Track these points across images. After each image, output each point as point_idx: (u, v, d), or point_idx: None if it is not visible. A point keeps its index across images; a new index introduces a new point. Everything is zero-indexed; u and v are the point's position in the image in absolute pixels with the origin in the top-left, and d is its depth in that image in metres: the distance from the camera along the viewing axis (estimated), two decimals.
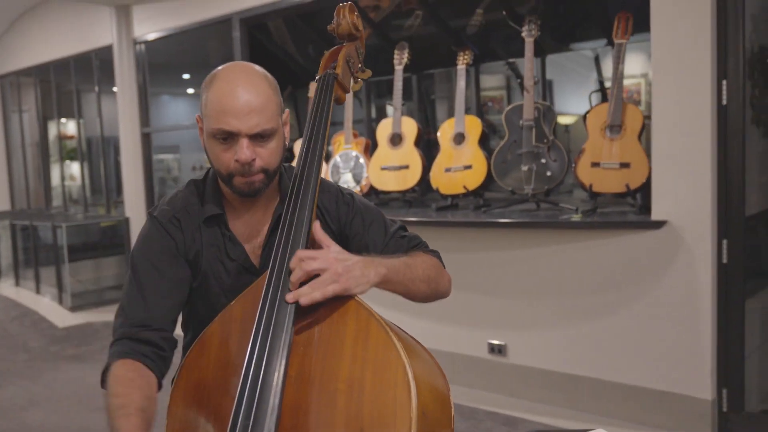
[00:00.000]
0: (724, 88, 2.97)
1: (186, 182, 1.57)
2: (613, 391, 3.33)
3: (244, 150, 1.35)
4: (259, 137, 1.37)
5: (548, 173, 3.68)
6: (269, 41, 5.21)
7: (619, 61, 3.47)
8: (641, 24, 3.42)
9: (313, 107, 1.55)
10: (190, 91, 9.31)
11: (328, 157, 4.58)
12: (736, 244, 3.03)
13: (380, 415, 1.19)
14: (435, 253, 1.59)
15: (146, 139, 6.16)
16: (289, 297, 1.27)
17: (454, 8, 4.49)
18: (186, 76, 8.72)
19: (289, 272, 1.32)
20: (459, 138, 4.06)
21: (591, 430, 1.47)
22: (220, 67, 1.42)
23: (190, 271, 1.47)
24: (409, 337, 1.36)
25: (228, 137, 1.36)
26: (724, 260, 3.04)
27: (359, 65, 1.75)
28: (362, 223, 1.56)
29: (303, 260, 1.28)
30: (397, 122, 4.30)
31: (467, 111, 4.17)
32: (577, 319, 3.45)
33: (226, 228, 1.48)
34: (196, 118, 1.47)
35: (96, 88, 6.77)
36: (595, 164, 3.46)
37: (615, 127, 3.44)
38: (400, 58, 4.29)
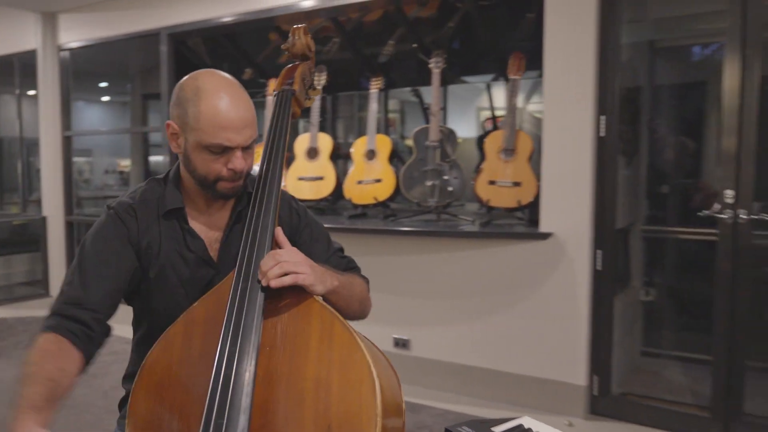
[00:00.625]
0: (602, 122, 3.12)
1: (147, 180, 1.48)
2: (503, 380, 3.42)
3: (240, 161, 1.32)
4: (248, 147, 1.33)
5: (449, 188, 3.74)
6: (192, 55, 4.99)
7: (513, 95, 3.58)
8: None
9: (273, 120, 1.50)
10: (105, 98, 8.79)
11: None
12: (608, 254, 3.18)
13: (347, 413, 1.15)
14: (366, 279, 1.56)
15: (67, 142, 5.73)
16: (261, 277, 1.24)
17: (368, 38, 4.49)
18: (103, 84, 8.23)
19: (256, 275, 1.25)
20: (371, 154, 4.05)
21: (517, 417, 1.47)
22: (197, 78, 1.34)
23: (138, 263, 1.37)
24: (364, 337, 1.32)
25: (223, 150, 1.30)
26: (598, 267, 3.20)
27: (311, 83, 1.71)
28: (311, 235, 1.54)
29: (276, 255, 1.26)
30: (314, 137, 4.24)
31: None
32: (473, 317, 3.51)
33: (185, 222, 1.41)
34: (167, 124, 1.38)
35: (17, 91, 6.24)
36: (492, 182, 3.55)
37: (509, 150, 3.54)
38: (318, 80, 4.23)
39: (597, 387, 3.24)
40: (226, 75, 1.37)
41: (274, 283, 1.22)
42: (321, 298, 1.29)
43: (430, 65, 3.82)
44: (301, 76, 1.62)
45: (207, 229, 1.43)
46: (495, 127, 4.79)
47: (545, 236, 3.24)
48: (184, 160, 1.36)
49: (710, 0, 3.58)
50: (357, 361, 1.19)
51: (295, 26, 1.66)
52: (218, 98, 1.29)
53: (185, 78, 1.36)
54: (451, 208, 4.06)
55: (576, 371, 3.23)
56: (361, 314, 1.50)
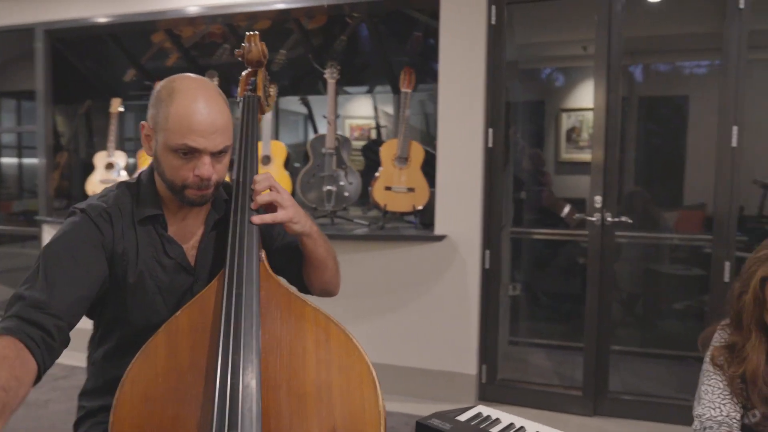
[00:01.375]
0: (491, 134, 3.32)
1: (122, 182, 1.39)
2: (402, 373, 3.51)
3: (207, 167, 1.26)
4: (218, 154, 1.26)
5: (346, 194, 3.77)
6: (71, 54, 4.56)
7: (405, 106, 3.69)
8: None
9: (242, 125, 1.49)
10: None
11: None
12: (495, 254, 3.39)
13: (351, 414, 1.16)
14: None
15: None
16: (255, 218, 1.30)
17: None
18: None
19: (251, 281, 1.20)
20: (266, 160, 3.97)
21: (472, 407, 1.54)
22: (175, 80, 1.30)
23: (108, 271, 1.29)
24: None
25: (190, 153, 1.24)
26: (487, 266, 3.39)
27: (268, 92, 1.67)
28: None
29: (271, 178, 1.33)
30: (267, 145, 4.06)
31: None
32: (373, 315, 3.57)
33: (163, 228, 1.35)
34: (141, 125, 1.30)
35: None
36: (388, 188, 3.63)
37: (403, 158, 3.65)
38: (272, 88, 4.08)
39: (485, 375, 3.44)
40: (206, 80, 1.32)
41: (259, 199, 1.30)
42: (311, 301, 1.27)
43: (326, 75, 3.82)
44: (263, 83, 1.59)
45: (182, 235, 1.38)
46: (378, 135, 4.91)
47: (440, 238, 3.38)
48: (155, 162, 1.31)
49: (576, 29, 3.93)
50: (356, 361, 1.20)
51: (249, 33, 1.62)
52: (191, 100, 1.24)
53: (165, 80, 1.31)
54: (346, 212, 4.10)
55: (468, 361, 3.40)
56: (334, 278, 1.53)
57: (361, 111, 5.62)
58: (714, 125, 3.01)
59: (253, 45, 1.61)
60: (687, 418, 1.56)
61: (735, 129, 2.95)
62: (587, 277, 3.25)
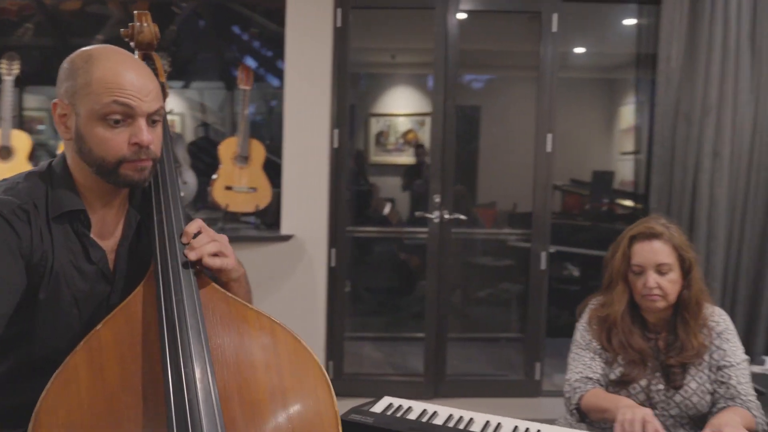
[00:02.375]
0: (336, 135, 3.36)
1: (25, 173, 1.15)
2: None
3: (145, 131, 1.10)
4: (151, 121, 1.12)
5: (181, 194, 3.52)
6: None
7: (244, 105, 3.57)
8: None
9: None
10: None
11: None
12: (341, 252, 3.44)
13: (308, 417, 1.12)
14: None
15: None
16: (191, 251, 1.13)
17: (73, 28, 3.90)
18: None
19: (190, 286, 1.09)
20: (5, 152, 3.54)
21: (379, 399, 1.58)
22: (89, 49, 1.12)
23: (27, 279, 1.08)
24: None
25: (123, 118, 1.08)
26: (333, 264, 3.43)
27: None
28: None
29: (208, 231, 1.19)
30: (7, 136, 3.50)
31: None
32: None
33: (86, 227, 1.15)
34: (53, 104, 1.12)
35: None
36: (229, 188, 3.48)
37: (243, 157, 3.52)
38: (9, 69, 3.51)
39: (332, 371, 3.47)
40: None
41: (208, 261, 1.14)
42: (251, 305, 1.19)
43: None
44: (163, 68, 1.44)
45: (101, 236, 1.18)
46: (205, 133, 4.67)
47: (287, 238, 3.34)
48: (77, 143, 1.11)
49: (411, 38, 4.14)
50: (306, 363, 1.16)
51: (138, 11, 1.46)
52: (116, 61, 1.09)
53: (74, 53, 1.13)
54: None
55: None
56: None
57: (175, 106, 5.29)
58: (532, 133, 3.41)
59: (146, 25, 1.45)
60: (509, 391, 1.70)
61: (549, 136, 3.37)
62: (427, 270, 3.45)
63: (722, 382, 1.59)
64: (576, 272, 4.73)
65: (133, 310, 1.10)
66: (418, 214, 3.45)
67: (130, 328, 1.09)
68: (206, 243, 1.15)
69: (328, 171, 3.36)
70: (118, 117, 1.07)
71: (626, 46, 5.23)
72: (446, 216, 3.39)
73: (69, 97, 1.09)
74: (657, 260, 1.60)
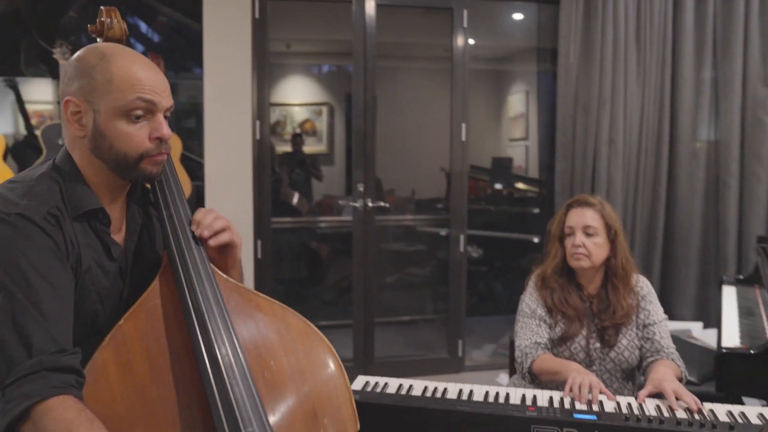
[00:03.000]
0: (258, 126, 3.37)
1: (34, 174, 1.11)
2: None
3: (165, 125, 1.13)
4: (165, 117, 1.15)
5: None
6: None
7: None
8: None
9: None
10: None
11: None
12: (266, 243, 3.46)
13: (326, 394, 1.20)
14: None
15: None
16: (198, 228, 1.18)
17: None
18: None
19: (208, 275, 1.13)
20: None
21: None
22: (97, 46, 1.13)
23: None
24: None
25: (144, 113, 1.10)
26: (259, 256, 3.44)
27: None
28: None
29: (212, 210, 1.23)
30: None
31: None
32: None
33: (105, 225, 1.15)
34: (65, 102, 1.10)
35: None
36: None
37: None
38: None
39: None
40: None
41: (213, 242, 1.19)
42: (262, 294, 1.24)
43: (56, 55, 3.33)
44: None
45: (113, 230, 1.17)
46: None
47: None
48: (94, 141, 1.10)
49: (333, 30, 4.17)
50: (318, 346, 1.23)
51: (108, 7, 1.44)
52: (131, 59, 1.11)
53: (79, 52, 1.13)
54: None
55: None
56: None
57: (42, 95, 4.94)
58: (447, 123, 3.60)
59: (116, 21, 1.43)
60: (435, 369, 1.84)
61: (464, 126, 3.59)
62: (353, 258, 3.56)
63: (648, 338, 1.84)
64: (478, 254, 5.05)
65: (153, 303, 1.12)
66: (342, 201, 3.53)
67: (152, 322, 1.11)
68: (213, 219, 1.20)
69: (251, 163, 3.36)
70: (140, 113, 1.09)
71: (511, 40, 5.62)
72: (369, 204, 3.51)
73: (85, 94, 1.08)
74: (585, 222, 1.84)
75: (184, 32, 3.91)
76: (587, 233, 1.84)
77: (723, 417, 1.46)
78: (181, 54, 4.00)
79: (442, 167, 5.54)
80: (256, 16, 3.31)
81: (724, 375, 1.88)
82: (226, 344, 1.07)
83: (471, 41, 5.65)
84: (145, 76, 1.09)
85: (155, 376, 1.06)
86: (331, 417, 1.18)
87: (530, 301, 1.93)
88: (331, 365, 1.22)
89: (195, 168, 3.71)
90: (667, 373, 1.66)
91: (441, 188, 5.60)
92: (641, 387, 1.68)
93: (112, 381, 1.04)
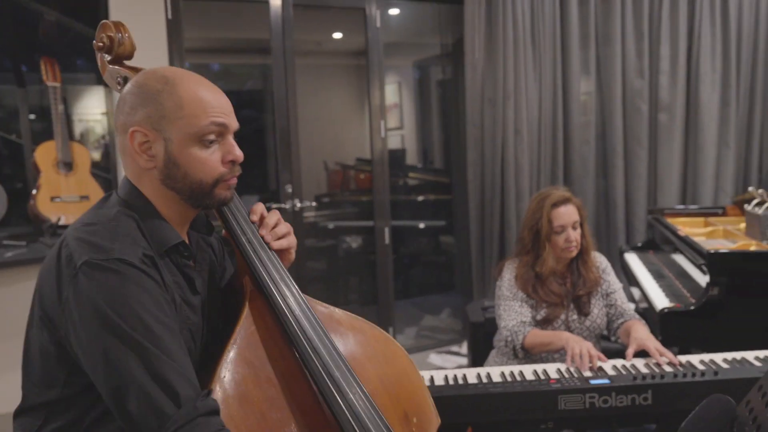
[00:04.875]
0: None
1: (109, 214, 1.04)
2: None
3: (236, 147, 1.10)
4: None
5: None
6: None
7: (57, 103, 3.16)
8: None
9: None
10: None
11: None
12: None
13: (410, 395, 1.27)
14: None
15: None
16: (282, 242, 1.21)
17: None
18: None
19: (296, 295, 1.14)
20: None
21: None
22: (156, 71, 1.09)
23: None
24: None
25: (217, 137, 1.07)
26: None
27: None
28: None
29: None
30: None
31: None
32: None
33: (186, 258, 1.10)
34: (131, 134, 1.04)
35: None
36: (56, 198, 3.08)
37: (66, 163, 3.14)
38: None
39: None
40: None
41: (275, 246, 1.19)
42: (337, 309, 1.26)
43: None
44: None
45: None
46: None
47: None
48: (166, 171, 1.05)
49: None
50: (395, 351, 1.30)
51: (114, 21, 1.36)
52: (195, 79, 1.08)
53: (138, 78, 1.08)
54: None
55: None
56: None
57: None
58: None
59: (126, 36, 1.35)
60: None
61: (382, 123, 3.69)
62: None
63: (611, 305, 2.11)
64: (356, 243, 5.21)
65: (250, 331, 1.10)
66: (275, 205, 3.48)
67: (255, 350, 1.09)
68: (277, 225, 1.21)
69: None
70: (213, 137, 1.05)
71: (385, 35, 5.77)
72: (298, 205, 3.50)
73: (153, 122, 1.03)
74: (573, 219, 2.04)
75: (73, 34, 3.59)
76: (574, 227, 2.04)
77: (700, 366, 1.72)
78: (71, 57, 3.67)
79: (324, 161, 5.60)
80: (169, 17, 3.14)
81: (669, 332, 2.18)
82: (338, 361, 1.09)
83: (338, 35, 5.75)
84: (214, 98, 1.06)
85: (271, 403, 1.05)
86: (419, 416, 1.24)
87: (510, 286, 2.09)
88: (409, 367, 1.28)
89: (102, 182, 3.44)
90: (645, 332, 1.91)
91: (333, 183, 5.68)
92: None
93: (234, 414, 1.01)
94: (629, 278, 3.06)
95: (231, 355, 1.05)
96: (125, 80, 1.28)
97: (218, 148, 1.07)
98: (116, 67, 1.30)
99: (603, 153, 3.90)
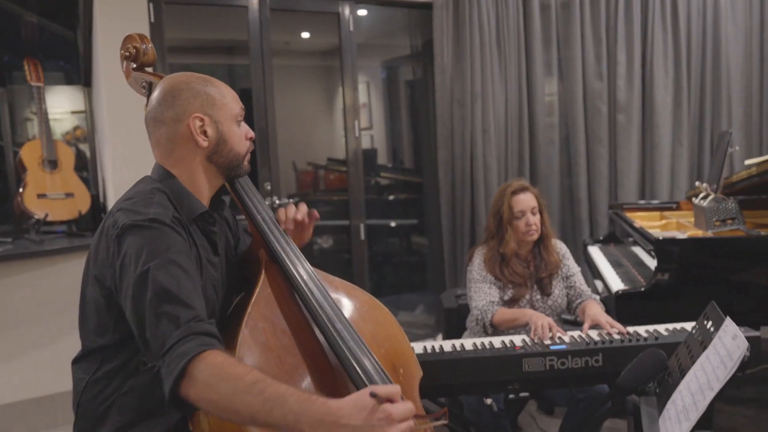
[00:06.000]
0: None
1: (145, 189, 1.32)
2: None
3: (249, 128, 1.45)
4: None
5: None
6: None
7: (41, 102, 3.37)
8: None
9: None
10: None
11: None
12: None
13: (398, 351, 1.56)
14: None
15: None
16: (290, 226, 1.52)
17: None
18: None
19: (304, 265, 1.43)
20: None
21: None
22: (194, 75, 1.40)
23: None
24: None
25: (242, 119, 1.43)
26: None
27: None
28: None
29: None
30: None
31: None
32: (47, 343, 3.20)
33: (211, 224, 1.41)
34: (193, 118, 1.33)
35: None
36: (42, 195, 3.28)
37: (51, 161, 3.34)
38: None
39: None
40: None
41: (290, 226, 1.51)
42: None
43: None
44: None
45: None
46: None
47: None
48: (216, 147, 1.36)
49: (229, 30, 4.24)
50: (383, 314, 1.58)
51: (139, 33, 1.63)
52: (219, 82, 1.41)
53: (180, 78, 1.38)
54: None
55: None
56: None
57: None
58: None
59: (149, 45, 1.61)
60: None
61: (356, 122, 3.97)
62: None
63: (571, 286, 2.43)
64: (328, 244, 5.47)
65: (267, 292, 1.37)
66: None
67: (271, 307, 1.36)
68: (293, 213, 1.52)
69: None
70: (241, 118, 1.40)
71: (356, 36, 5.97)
72: (277, 202, 3.75)
73: (207, 109, 1.34)
74: (531, 205, 2.36)
75: (54, 38, 3.79)
76: (533, 213, 2.36)
77: (644, 333, 2.04)
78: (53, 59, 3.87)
79: (293, 162, 5.83)
80: (152, 20, 3.37)
81: (623, 312, 2.51)
82: (341, 316, 1.37)
83: (306, 34, 5.96)
84: (234, 92, 1.41)
85: (286, 350, 1.32)
86: (405, 368, 1.52)
87: (479, 269, 2.40)
88: (396, 329, 1.56)
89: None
90: (598, 309, 2.23)
91: (304, 183, 5.91)
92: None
93: (257, 359, 1.28)
94: (593, 271, 3.39)
95: (252, 312, 1.32)
96: (150, 84, 1.54)
97: (242, 127, 1.41)
98: (140, 73, 1.56)
99: (567, 152, 4.24)
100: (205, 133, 1.34)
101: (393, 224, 5.52)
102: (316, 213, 1.57)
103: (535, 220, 2.37)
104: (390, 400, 1.05)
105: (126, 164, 3.34)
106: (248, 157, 1.43)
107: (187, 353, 1.08)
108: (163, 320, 1.12)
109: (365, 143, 6.07)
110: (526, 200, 2.37)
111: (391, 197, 5.81)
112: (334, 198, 5.67)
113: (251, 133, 1.43)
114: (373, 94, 6.29)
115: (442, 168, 4.06)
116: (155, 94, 1.37)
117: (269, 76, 3.69)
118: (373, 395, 1.04)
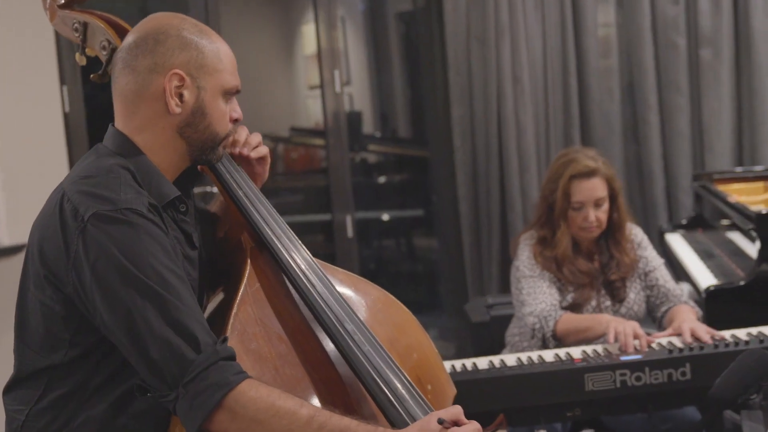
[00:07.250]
0: (66, 95, 3.63)
1: (104, 165, 1.45)
2: None
3: (238, 108, 1.60)
4: None
5: None
6: None
7: None
8: None
9: None
10: None
11: None
12: None
13: (422, 361, 1.75)
14: None
15: None
16: (261, 149, 1.70)
17: None
18: None
19: (299, 247, 1.62)
20: None
21: None
22: (186, 18, 1.54)
23: None
24: None
25: (233, 96, 1.57)
26: None
27: None
28: None
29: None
30: None
31: None
32: None
33: (183, 213, 1.54)
34: (171, 74, 1.46)
35: None
36: None
37: None
38: None
39: None
40: None
41: (254, 155, 1.67)
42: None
43: None
44: None
45: None
46: None
47: (13, 251, 3.48)
48: (190, 118, 1.49)
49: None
50: (401, 315, 1.78)
51: None
52: (221, 39, 1.56)
53: (169, 20, 1.52)
54: None
55: None
56: None
57: None
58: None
59: None
60: None
61: (337, 72, 4.15)
62: None
63: (652, 286, 2.64)
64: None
65: (255, 288, 1.56)
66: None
67: (261, 307, 1.55)
68: (249, 136, 1.68)
69: (65, 143, 3.60)
70: (232, 95, 1.55)
71: None
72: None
73: (192, 69, 1.47)
74: (597, 196, 2.55)
75: None
76: (597, 205, 2.55)
77: (745, 337, 2.26)
78: None
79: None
80: None
81: (716, 314, 2.71)
82: (351, 314, 1.56)
83: None
84: (234, 62, 1.55)
85: (283, 360, 1.52)
86: (435, 384, 1.73)
87: (530, 265, 2.59)
88: (420, 333, 1.77)
89: None
90: (687, 314, 2.42)
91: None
92: None
93: (247, 369, 1.45)
94: (674, 268, 3.53)
95: (239, 314, 1.50)
96: (85, 26, 1.70)
97: (230, 105, 1.55)
98: (70, 11, 1.71)
99: (632, 106, 4.41)
100: (180, 96, 1.47)
101: (385, 217, 5.63)
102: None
103: (598, 214, 2.55)
104: (456, 423, 1.29)
105: (14, 140, 3.51)
106: (226, 142, 1.57)
107: (224, 384, 1.30)
108: (178, 341, 1.31)
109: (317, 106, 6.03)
110: (591, 189, 2.54)
111: (382, 179, 5.87)
112: (299, 184, 5.71)
113: (238, 113, 1.56)
114: (350, 35, 6.17)
115: (457, 134, 4.22)
116: (132, 34, 1.51)
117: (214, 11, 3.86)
118: (440, 421, 1.30)
